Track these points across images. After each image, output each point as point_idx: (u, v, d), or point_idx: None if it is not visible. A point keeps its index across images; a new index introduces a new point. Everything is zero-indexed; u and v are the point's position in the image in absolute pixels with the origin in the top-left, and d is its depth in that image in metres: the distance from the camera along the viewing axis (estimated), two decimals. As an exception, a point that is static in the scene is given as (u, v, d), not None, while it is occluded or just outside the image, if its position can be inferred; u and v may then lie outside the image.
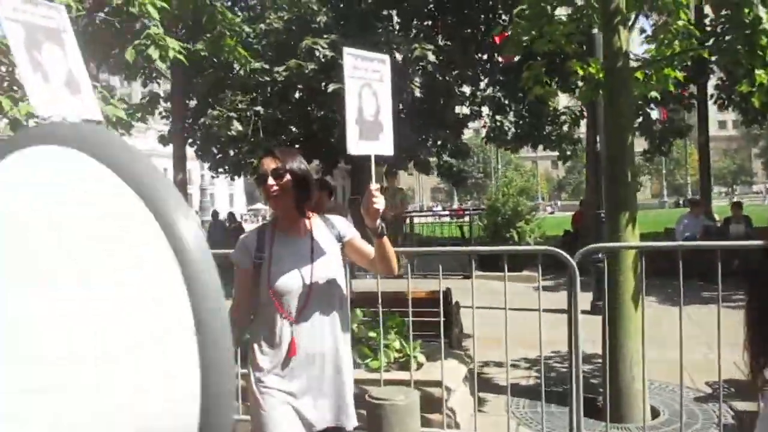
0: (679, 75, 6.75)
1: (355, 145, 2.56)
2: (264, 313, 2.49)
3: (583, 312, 4.79)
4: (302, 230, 2.54)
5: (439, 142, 14.30)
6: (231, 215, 18.61)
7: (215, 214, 18.46)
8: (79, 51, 2.26)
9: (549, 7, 6.22)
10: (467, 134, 27.23)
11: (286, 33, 11.03)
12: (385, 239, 2.49)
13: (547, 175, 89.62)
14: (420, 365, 4.98)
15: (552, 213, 35.74)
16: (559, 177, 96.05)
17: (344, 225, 2.65)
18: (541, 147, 15.65)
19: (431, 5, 13.08)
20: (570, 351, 4.18)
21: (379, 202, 2.40)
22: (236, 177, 15.97)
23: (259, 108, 11.21)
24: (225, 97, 11.25)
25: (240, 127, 11.11)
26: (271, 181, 2.43)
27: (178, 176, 14.87)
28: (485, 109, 14.60)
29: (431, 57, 10.76)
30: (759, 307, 1.61)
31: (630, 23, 5.62)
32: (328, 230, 2.59)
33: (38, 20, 2.08)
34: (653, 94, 6.72)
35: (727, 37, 6.06)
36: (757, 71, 5.47)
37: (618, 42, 5.26)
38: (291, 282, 2.44)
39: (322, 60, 10.51)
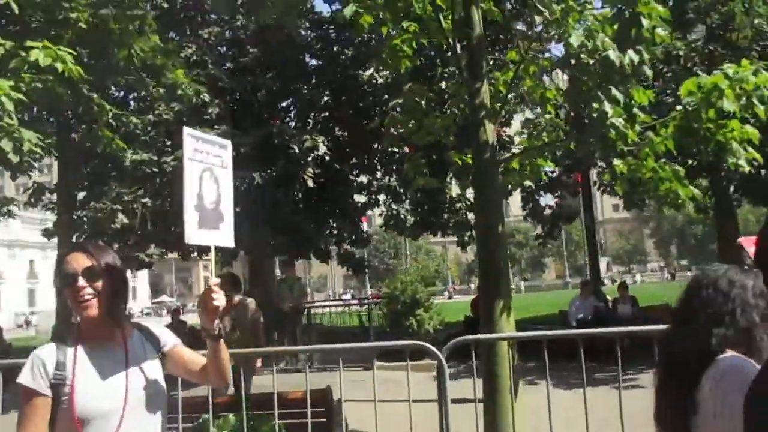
0: (551, 164, 7.09)
1: (194, 234, 2.33)
2: None
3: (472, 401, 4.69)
4: (115, 341, 2.19)
5: (335, 232, 14.31)
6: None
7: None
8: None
9: (423, 102, 6.44)
10: (378, 221, 27.46)
11: (176, 123, 10.90)
12: (222, 343, 2.23)
13: (457, 259, 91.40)
14: (292, 474, 4.66)
15: (450, 298, 35.38)
16: (468, 260, 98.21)
17: (164, 332, 2.37)
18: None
19: (326, 97, 13.39)
20: (442, 447, 4.03)
21: (219, 299, 2.16)
22: (133, 270, 15.20)
23: (146, 200, 10.86)
24: (109, 189, 10.84)
25: (126, 220, 10.67)
26: (82, 282, 2.06)
27: (64, 271, 14.01)
28: (382, 197, 14.82)
29: (323, 148, 10.89)
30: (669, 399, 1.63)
31: (503, 117, 5.87)
32: (145, 339, 2.28)
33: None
34: (527, 183, 6.97)
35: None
36: (615, 161, 5.81)
37: (484, 135, 5.45)
38: (102, 403, 2.04)
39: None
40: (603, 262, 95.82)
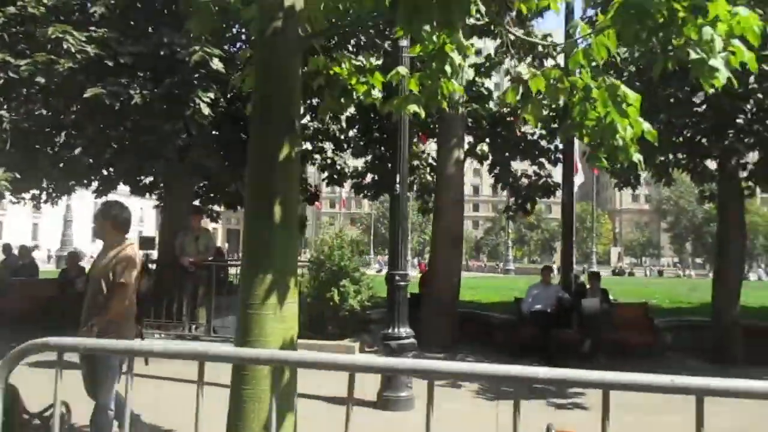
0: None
1: None
2: None
3: None
4: None
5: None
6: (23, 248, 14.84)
7: (7, 247, 15.33)
8: None
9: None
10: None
11: (47, 21, 8.74)
12: None
13: (466, 236, 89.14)
14: None
15: (379, 272, 30.03)
16: (476, 238, 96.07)
17: None
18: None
19: None
20: None
21: None
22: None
23: (2, 112, 8.76)
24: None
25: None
26: None
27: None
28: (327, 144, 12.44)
29: (218, 63, 8.47)
30: None
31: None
32: None
33: None
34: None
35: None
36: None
37: None
38: None
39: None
40: (615, 252, 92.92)
